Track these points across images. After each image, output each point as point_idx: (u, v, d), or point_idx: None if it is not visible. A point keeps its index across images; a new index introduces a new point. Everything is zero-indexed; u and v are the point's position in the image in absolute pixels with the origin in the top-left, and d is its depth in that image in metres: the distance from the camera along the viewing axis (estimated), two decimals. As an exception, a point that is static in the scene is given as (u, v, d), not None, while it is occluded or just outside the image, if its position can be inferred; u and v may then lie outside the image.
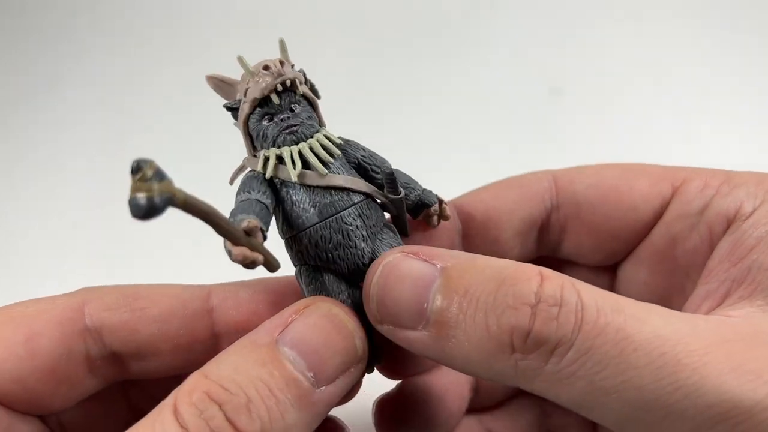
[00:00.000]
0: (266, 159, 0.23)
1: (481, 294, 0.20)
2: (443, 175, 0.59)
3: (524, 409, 0.33)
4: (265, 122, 0.24)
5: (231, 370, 0.19)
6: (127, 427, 0.19)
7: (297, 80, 0.23)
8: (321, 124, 0.25)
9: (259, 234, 0.21)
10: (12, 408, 0.23)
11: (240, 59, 0.23)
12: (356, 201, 0.24)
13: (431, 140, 0.61)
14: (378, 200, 0.25)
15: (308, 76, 0.25)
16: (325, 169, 0.23)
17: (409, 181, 0.26)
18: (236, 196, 0.23)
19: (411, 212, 0.26)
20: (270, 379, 0.19)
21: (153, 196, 0.16)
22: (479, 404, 0.33)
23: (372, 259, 0.24)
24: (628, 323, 0.19)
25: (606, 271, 0.30)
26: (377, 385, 0.28)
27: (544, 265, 0.31)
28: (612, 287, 0.31)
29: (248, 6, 0.74)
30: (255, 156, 0.24)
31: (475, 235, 0.29)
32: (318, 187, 0.23)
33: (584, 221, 0.29)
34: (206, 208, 0.19)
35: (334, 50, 0.69)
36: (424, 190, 0.26)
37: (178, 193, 0.17)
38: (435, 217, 0.26)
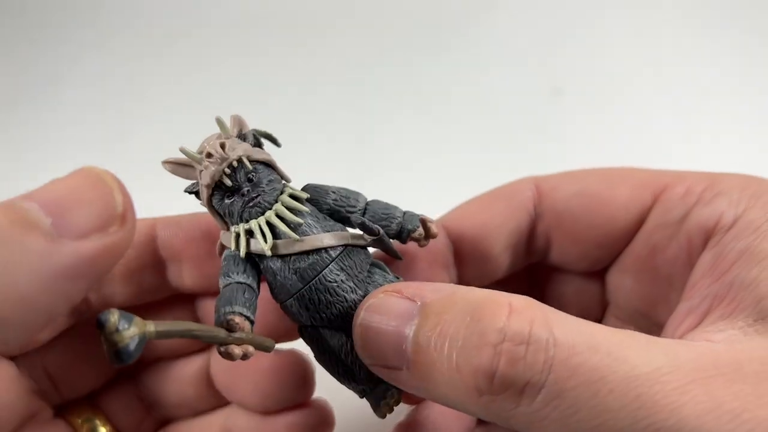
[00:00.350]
0: (237, 236, 0.23)
1: (453, 331, 0.19)
2: (443, 174, 0.59)
3: None
4: (227, 200, 0.23)
5: None
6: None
7: (244, 156, 0.23)
8: (285, 178, 0.24)
9: (246, 324, 0.21)
10: None
11: (182, 150, 0.23)
12: (335, 255, 0.23)
13: (430, 139, 0.61)
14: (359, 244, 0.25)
15: (262, 129, 0.25)
16: (295, 235, 0.23)
17: (387, 209, 0.25)
18: (219, 280, 0.23)
19: (398, 239, 0.26)
20: None
21: (126, 345, 0.17)
22: None
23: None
24: (603, 362, 0.18)
25: (596, 277, 0.30)
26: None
27: (535, 273, 0.32)
28: (602, 292, 0.31)
29: (248, 6, 0.74)
30: (227, 232, 0.24)
31: (466, 252, 0.29)
32: (294, 253, 0.23)
33: (567, 230, 0.28)
34: (181, 329, 0.19)
35: (333, 50, 0.69)
36: (405, 213, 0.26)
37: (148, 328, 0.18)
38: (422, 241, 0.26)
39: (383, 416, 0.25)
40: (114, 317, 0.17)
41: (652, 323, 0.28)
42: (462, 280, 0.29)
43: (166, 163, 0.24)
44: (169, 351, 0.29)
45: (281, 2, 0.74)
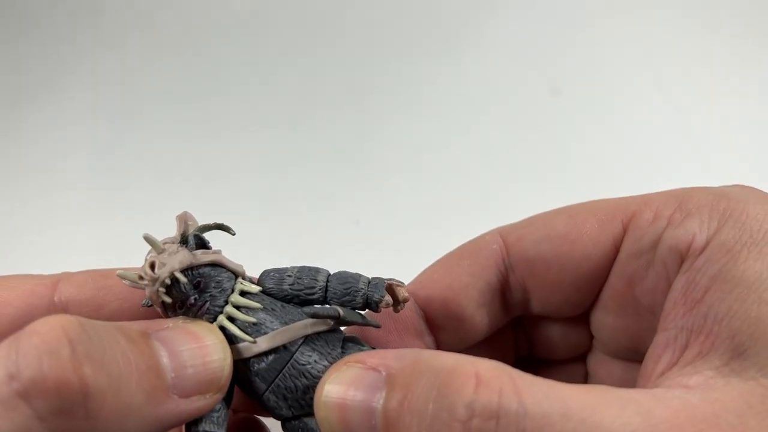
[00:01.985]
0: None
1: (421, 407, 0.18)
2: (441, 174, 0.60)
3: None
4: (179, 311, 0.23)
5: (101, 325, 0.19)
6: None
7: (177, 271, 0.22)
8: (237, 273, 0.24)
9: None
10: None
11: (119, 275, 0.23)
12: (301, 342, 0.23)
13: (429, 139, 0.61)
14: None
15: (210, 223, 0.24)
16: (249, 338, 0.22)
17: (348, 283, 0.24)
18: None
19: (370, 309, 0.25)
20: (133, 354, 0.19)
21: None
22: None
23: None
24: (577, 430, 0.17)
25: (580, 319, 0.29)
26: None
27: (521, 323, 0.30)
28: (588, 330, 0.29)
29: (248, 6, 0.74)
30: None
31: (437, 317, 0.28)
32: (252, 356, 0.22)
33: (541, 278, 0.27)
34: None
35: (333, 49, 0.69)
36: (370, 282, 0.24)
37: None
38: (394, 307, 0.25)
39: None
40: None
41: (638, 355, 0.26)
42: (441, 346, 0.28)
43: (122, 278, 0.24)
44: None
45: (281, 2, 0.74)
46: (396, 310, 0.25)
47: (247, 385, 0.23)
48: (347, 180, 0.58)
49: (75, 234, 0.56)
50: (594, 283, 0.27)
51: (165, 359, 0.20)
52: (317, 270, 0.24)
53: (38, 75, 0.71)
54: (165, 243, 0.23)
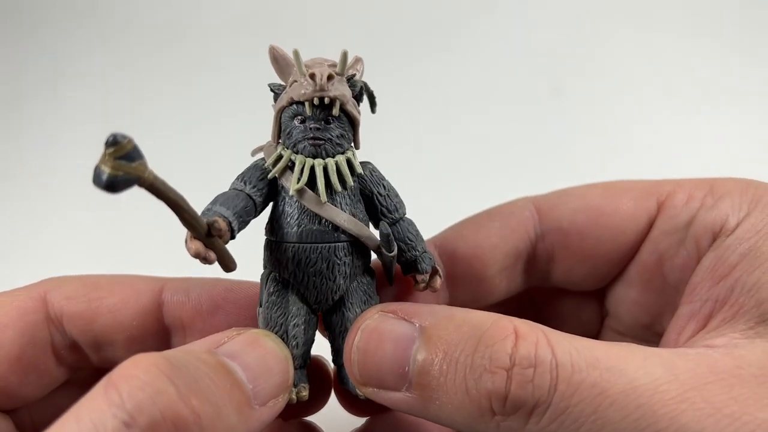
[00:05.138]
0: (279, 158, 0.23)
1: (460, 355, 0.20)
2: (440, 172, 0.59)
3: None
4: (296, 121, 0.23)
5: (180, 354, 0.19)
6: None
7: (338, 100, 0.22)
8: (355, 145, 0.24)
9: (226, 234, 0.21)
10: None
11: (296, 54, 0.22)
12: (343, 239, 0.23)
13: (429, 138, 0.61)
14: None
15: (371, 87, 0.24)
16: (324, 197, 0.22)
17: (413, 238, 0.25)
18: (234, 180, 0.23)
19: (402, 267, 0.25)
20: (216, 376, 0.19)
21: (116, 175, 0.17)
22: None
23: (342, 297, 0.23)
24: (603, 377, 0.18)
25: (593, 295, 0.30)
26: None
27: (531, 294, 0.31)
28: (599, 308, 0.30)
29: (248, 5, 0.73)
30: (275, 145, 0.24)
31: (459, 274, 0.28)
32: (309, 210, 0.23)
33: (573, 248, 0.28)
34: (173, 196, 0.19)
35: (331, 49, 0.69)
36: (424, 253, 0.25)
37: (147, 176, 0.17)
38: (421, 284, 0.25)
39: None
40: (124, 148, 0.17)
41: (652, 334, 0.28)
42: (454, 302, 0.29)
43: (273, 48, 0.23)
44: None
45: (281, 2, 0.74)
46: (417, 289, 0.25)
47: (278, 225, 0.23)
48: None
49: (75, 234, 0.56)
50: (624, 257, 0.27)
51: (240, 373, 0.20)
52: (402, 203, 0.25)
53: (38, 75, 0.71)
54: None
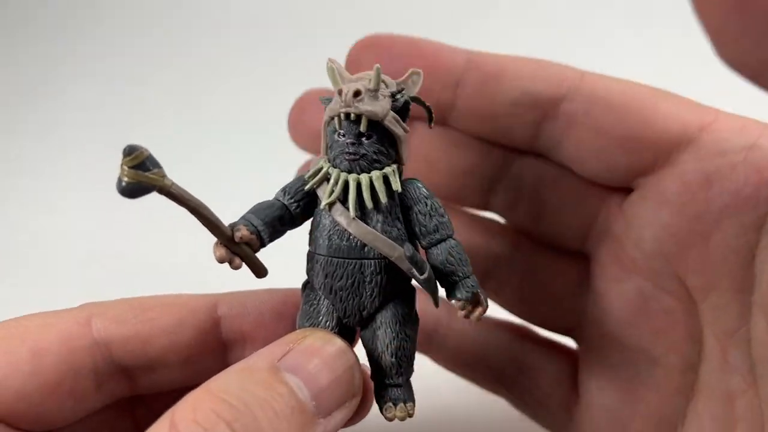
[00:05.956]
0: (318, 170, 0.23)
1: None
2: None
3: None
4: (336, 136, 0.22)
5: (238, 388, 0.18)
6: None
7: (365, 117, 0.22)
8: (399, 161, 0.23)
9: (253, 241, 0.21)
10: (16, 426, 0.22)
11: (330, 69, 0.22)
12: (372, 257, 0.22)
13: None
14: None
15: (422, 99, 0.24)
16: (353, 212, 0.22)
17: (456, 262, 0.23)
18: (279, 189, 0.23)
19: (448, 295, 0.23)
20: (276, 403, 0.18)
21: (132, 182, 0.19)
22: None
23: (373, 314, 0.23)
24: None
25: (577, 258, 0.29)
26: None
27: (522, 240, 0.30)
28: (578, 278, 0.29)
29: (248, 5, 0.73)
30: (323, 158, 0.23)
31: (472, 84, 0.27)
32: (340, 225, 0.22)
33: (595, 119, 0.25)
34: (193, 204, 0.20)
35: (332, 48, 0.69)
36: (466, 278, 0.23)
37: (165, 184, 0.19)
38: (461, 313, 0.23)
39: (390, 419, 0.23)
40: (142, 155, 0.19)
41: (669, 275, 0.25)
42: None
43: (332, 61, 0.23)
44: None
45: (281, 2, 0.74)
46: (464, 316, 0.23)
47: (314, 236, 0.23)
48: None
49: (75, 234, 0.55)
50: (649, 154, 0.25)
51: (303, 391, 0.19)
52: (447, 223, 0.23)
53: (38, 75, 0.70)
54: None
